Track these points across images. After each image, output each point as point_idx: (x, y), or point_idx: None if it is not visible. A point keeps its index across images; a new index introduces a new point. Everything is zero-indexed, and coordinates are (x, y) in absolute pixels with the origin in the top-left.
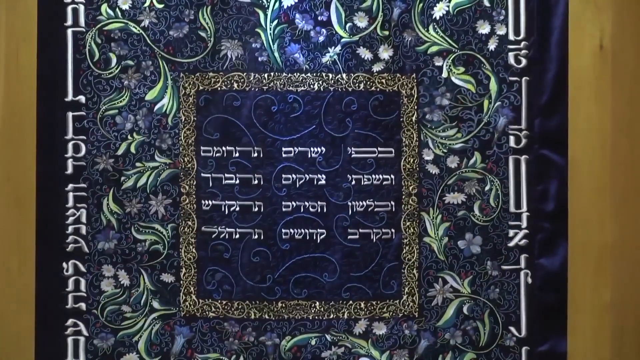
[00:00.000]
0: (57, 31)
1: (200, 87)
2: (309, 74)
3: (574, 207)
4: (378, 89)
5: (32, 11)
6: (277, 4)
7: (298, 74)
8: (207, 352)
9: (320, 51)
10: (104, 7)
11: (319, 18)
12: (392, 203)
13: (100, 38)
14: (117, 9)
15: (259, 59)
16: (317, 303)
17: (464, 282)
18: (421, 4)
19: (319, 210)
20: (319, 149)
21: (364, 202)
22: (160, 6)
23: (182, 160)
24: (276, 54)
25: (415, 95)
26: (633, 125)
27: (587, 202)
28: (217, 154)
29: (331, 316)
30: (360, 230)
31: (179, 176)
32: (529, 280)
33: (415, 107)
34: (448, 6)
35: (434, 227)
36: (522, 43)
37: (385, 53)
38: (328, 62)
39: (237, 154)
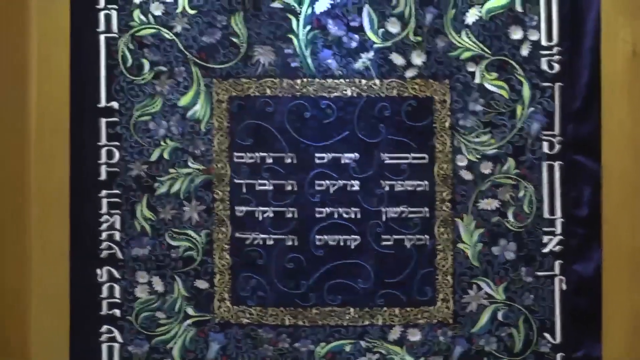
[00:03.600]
0: (89, 37)
1: (233, 93)
2: (341, 80)
3: (607, 213)
4: (411, 95)
5: (64, 17)
6: (310, 9)
7: (331, 79)
8: (241, 358)
9: (352, 57)
10: (137, 13)
11: (351, 24)
12: (426, 209)
13: (133, 44)
14: (150, 15)
15: (292, 64)
16: (352, 309)
17: (498, 289)
18: (453, 10)
19: (352, 216)
20: (352, 155)
21: (398, 209)
22: (192, 12)
23: (216, 166)
24: (309, 60)
25: (448, 101)
26: None
27: (621, 207)
28: (250, 160)
29: (365, 322)
30: (394, 237)
31: (212, 182)
32: (564, 287)
33: (449, 113)
34: (480, 12)
35: (468, 233)
36: (555, 49)
37: (418, 59)
38: (361, 68)
39: (271, 160)
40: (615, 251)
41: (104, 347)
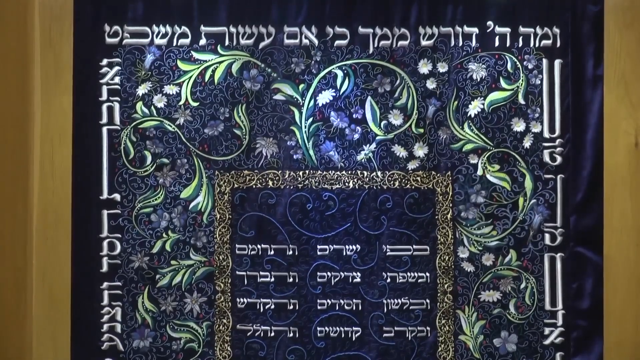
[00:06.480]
0: (92, 129)
1: (235, 185)
2: (343, 172)
3: (609, 305)
4: (413, 187)
5: (67, 109)
6: (312, 101)
7: (333, 171)
8: None
9: (355, 149)
10: (139, 105)
11: (354, 116)
12: (428, 301)
13: (136, 136)
14: (152, 107)
15: (294, 156)
16: None
17: None
18: (456, 102)
19: (354, 308)
20: (354, 247)
21: (399, 300)
22: (195, 104)
23: (217, 258)
24: (311, 152)
25: (450, 193)
26: None
27: (623, 299)
28: (252, 252)
29: None
30: (396, 328)
31: (214, 274)
32: None
33: (450, 205)
34: (483, 104)
35: (470, 325)
36: (557, 141)
37: (420, 151)
38: (363, 160)
39: (272, 252)
40: (617, 344)
41: None
